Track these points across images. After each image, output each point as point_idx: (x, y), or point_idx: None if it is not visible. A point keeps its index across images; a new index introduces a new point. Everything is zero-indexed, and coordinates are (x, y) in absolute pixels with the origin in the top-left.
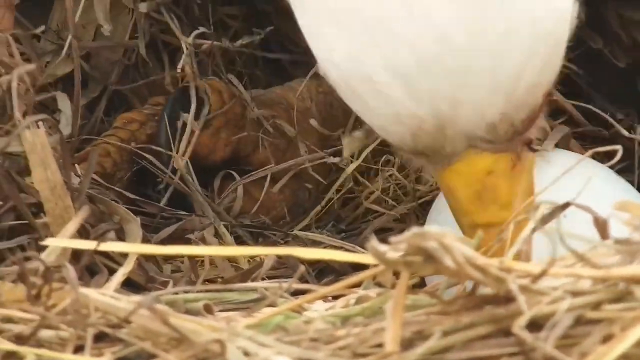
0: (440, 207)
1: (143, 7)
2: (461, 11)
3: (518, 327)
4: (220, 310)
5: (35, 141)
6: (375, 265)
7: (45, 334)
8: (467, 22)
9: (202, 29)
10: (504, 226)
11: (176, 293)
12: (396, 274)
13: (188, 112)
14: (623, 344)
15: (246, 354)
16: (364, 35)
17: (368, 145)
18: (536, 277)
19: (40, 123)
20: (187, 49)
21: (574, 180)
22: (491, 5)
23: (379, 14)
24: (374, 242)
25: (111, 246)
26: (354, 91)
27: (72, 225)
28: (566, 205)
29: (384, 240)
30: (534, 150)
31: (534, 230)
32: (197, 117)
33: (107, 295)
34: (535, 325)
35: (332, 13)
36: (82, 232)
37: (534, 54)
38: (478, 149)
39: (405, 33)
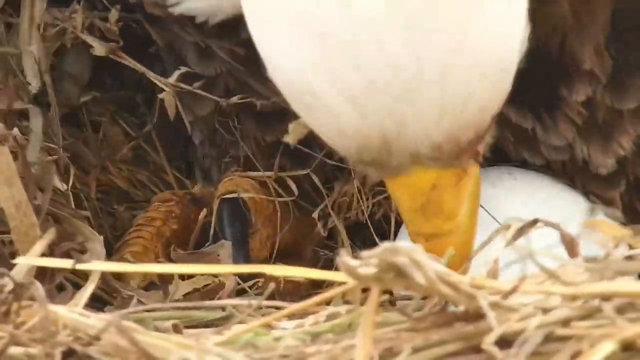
0: None
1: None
2: (410, 37)
3: (488, 343)
4: (189, 327)
5: (0, 159)
6: (343, 283)
7: (14, 351)
8: (416, 48)
9: (184, 69)
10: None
11: (146, 310)
12: (364, 292)
13: (233, 223)
14: None
15: None
16: (314, 51)
17: None
18: (506, 294)
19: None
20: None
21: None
22: (439, 31)
23: (331, 33)
24: (345, 258)
25: (84, 265)
26: (301, 103)
27: (41, 245)
28: (535, 222)
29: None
30: (479, 163)
31: (504, 247)
32: (246, 226)
33: (76, 313)
34: (505, 342)
35: (283, 24)
36: (46, 251)
37: (481, 79)
38: (424, 165)
39: (354, 55)
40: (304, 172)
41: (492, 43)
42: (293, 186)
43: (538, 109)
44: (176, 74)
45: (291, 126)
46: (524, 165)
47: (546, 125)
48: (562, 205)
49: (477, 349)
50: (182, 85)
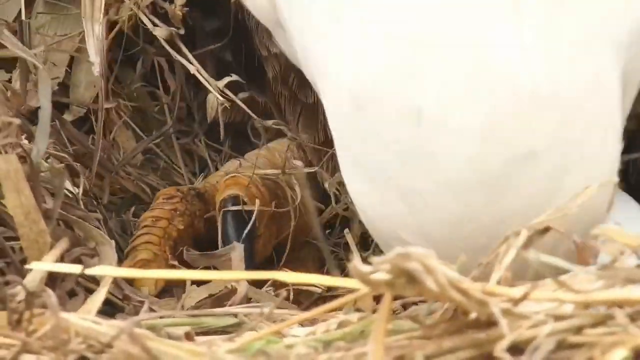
0: None
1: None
2: (489, 196)
3: (500, 350)
4: (200, 334)
5: (8, 167)
6: (354, 290)
7: (26, 359)
8: (497, 210)
9: (234, 76)
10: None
11: (159, 317)
12: (376, 299)
13: (239, 228)
14: None
15: None
16: (396, 199)
17: None
18: (518, 301)
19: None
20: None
21: None
22: (517, 193)
23: (411, 185)
24: (356, 263)
25: (94, 270)
26: (387, 246)
27: (53, 254)
28: (546, 230)
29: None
30: None
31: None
32: (250, 229)
33: (88, 320)
34: (517, 349)
35: (366, 172)
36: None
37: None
38: None
39: (436, 207)
40: (312, 169)
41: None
42: (297, 187)
43: None
44: (226, 79)
45: None
46: None
47: None
48: None
49: (489, 356)
50: (228, 92)
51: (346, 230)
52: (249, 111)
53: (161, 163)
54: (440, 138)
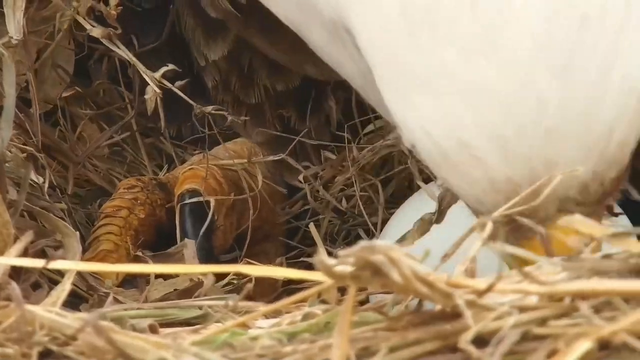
0: (397, 223)
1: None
2: (555, 75)
3: (464, 342)
4: (165, 326)
5: None
6: (319, 283)
7: None
8: (560, 86)
9: (171, 66)
10: None
11: (123, 310)
12: (341, 291)
13: (196, 221)
14: (567, 359)
15: None
16: (458, 100)
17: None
18: (483, 293)
19: None
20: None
21: None
22: (582, 70)
23: (475, 79)
24: (321, 256)
25: (59, 264)
26: (447, 160)
27: (19, 245)
28: (512, 221)
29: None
30: (615, 215)
31: (480, 247)
32: (208, 221)
33: (52, 312)
34: (482, 340)
35: (422, 80)
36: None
37: (624, 110)
38: (567, 213)
39: (502, 97)
40: (277, 157)
41: (632, 73)
42: (259, 176)
43: None
44: (162, 69)
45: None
46: None
47: None
48: None
49: (454, 348)
50: (166, 82)
51: (311, 224)
52: (187, 99)
53: (128, 157)
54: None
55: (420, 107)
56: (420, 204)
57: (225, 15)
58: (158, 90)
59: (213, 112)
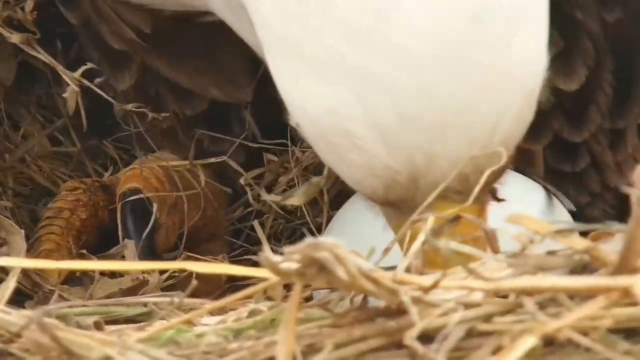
0: (340, 222)
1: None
2: (443, 67)
3: (409, 338)
4: (110, 324)
5: None
6: (264, 280)
7: None
8: (448, 78)
9: (89, 65)
10: None
11: (68, 307)
12: (287, 288)
13: (137, 220)
14: (512, 356)
15: None
16: (344, 87)
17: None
18: (428, 289)
19: None
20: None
21: None
22: (469, 61)
23: (361, 66)
24: (267, 253)
25: (3, 261)
26: (329, 144)
27: None
28: (457, 218)
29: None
30: (498, 200)
31: (424, 243)
32: (149, 220)
33: None
34: (427, 337)
35: (310, 61)
36: None
37: (509, 107)
38: (447, 200)
39: (387, 86)
40: (220, 159)
41: (518, 71)
42: (202, 176)
43: None
44: (81, 69)
45: (302, 187)
46: None
47: None
48: (520, 195)
49: (399, 345)
50: (84, 80)
51: (255, 221)
52: (106, 96)
53: (74, 158)
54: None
55: (306, 89)
56: (363, 203)
57: (129, 45)
58: (77, 89)
59: (134, 109)
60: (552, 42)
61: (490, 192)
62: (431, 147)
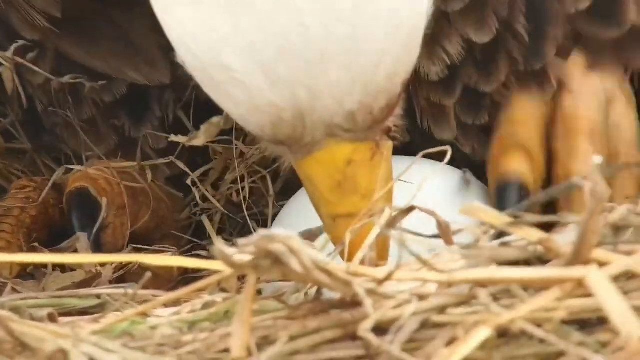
0: (288, 214)
1: None
2: (320, 6)
3: (363, 330)
4: (63, 316)
5: None
6: (219, 272)
7: None
8: (325, 12)
9: (21, 42)
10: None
11: (21, 299)
12: (241, 280)
13: (83, 218)
14: (466, 347)
15: None
16: (221, 18)
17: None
18: (382, 281)
19: None
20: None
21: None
22: (347, 1)
23: (243, 1)
24: (220, 245)
25: None
26: (211, 79)
27: None
28: (411, 209)
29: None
30: (393, 139)
31: (378, 235)
32: (96, 219)
33: None
34: (381, 329)
35: None
36: None
37: (390, 44)
38: (337, 138)
39: (264, 19)
40: (166, 160)
41: (399, 9)
42: (149, 173)
43: None
44: (13, 46)
45: (203, 126)
46: None
47: None
48: (438, 182)
49: (354, 337)
50: (17, 58)
51: (204, 216)
52: (37, 69)
53: (27, 154)
54: None
55: (184, 22)
56: None
57: (41, 33)
58: (8, 65)
59: (71, 80)
60: None
61: (384, 131)
62: (313, 83)
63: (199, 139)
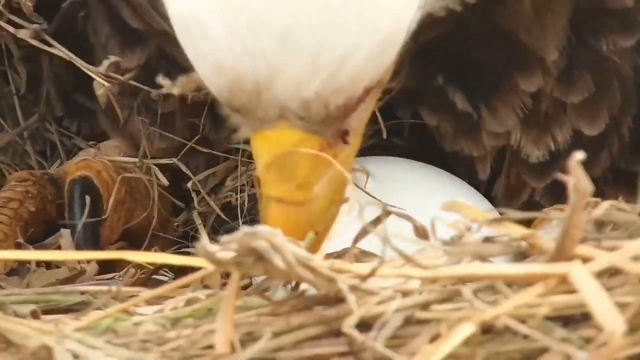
0: None
1: None
2: None
3: (348, 326)
4: (47, 313)
5: None
6: (204, 268)
7: None
8: (301, 6)
9: (113, 58)
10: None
11: (4, 295)
12: (224, 276)
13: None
14: (450, 343)
15: (75, 356)
16: None
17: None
18: (366, 278)
19: None
20: None
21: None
22: None
23: None
24: (204, 242)
25: None
26: (186, 30)
27: None
28: (388, 213)
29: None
30: (346, 142)
31: (363, 233)
32: (97, 209)
33: None
34: (365, 325)
35: None
36: None
37: (358, 45)
38: (289, 123)
39: None
40: (169, 160)
41: (384, 14)
42: (160, 175)
43: (486, 96)
44: (105, 63)
45: (181, 78)
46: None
47: (491, 112)
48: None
49: (338, 333)
50: (113, 74)
51: (194, 211)
52: (141, 86)
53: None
54: None
55: None
56: None
57: (149, 28)
58: (107, 84)
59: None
60: (584, 86)
61: (339, 134)
62: (275, 59)
63: (177, 89)
